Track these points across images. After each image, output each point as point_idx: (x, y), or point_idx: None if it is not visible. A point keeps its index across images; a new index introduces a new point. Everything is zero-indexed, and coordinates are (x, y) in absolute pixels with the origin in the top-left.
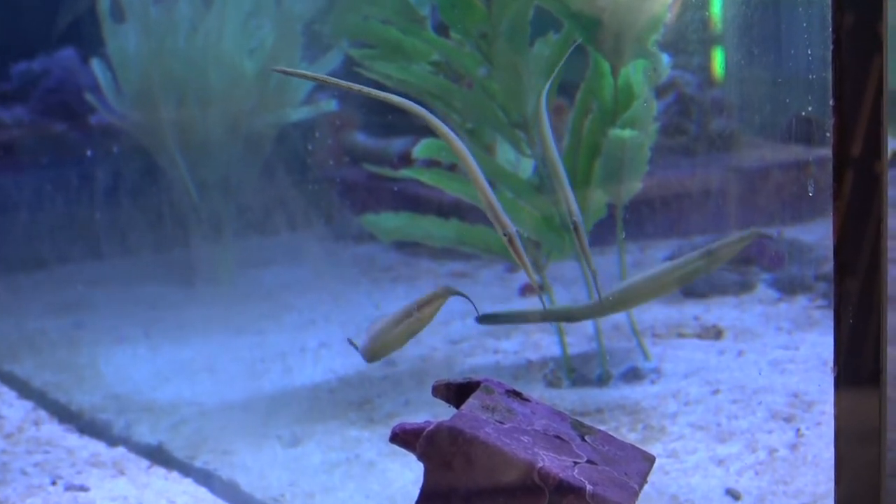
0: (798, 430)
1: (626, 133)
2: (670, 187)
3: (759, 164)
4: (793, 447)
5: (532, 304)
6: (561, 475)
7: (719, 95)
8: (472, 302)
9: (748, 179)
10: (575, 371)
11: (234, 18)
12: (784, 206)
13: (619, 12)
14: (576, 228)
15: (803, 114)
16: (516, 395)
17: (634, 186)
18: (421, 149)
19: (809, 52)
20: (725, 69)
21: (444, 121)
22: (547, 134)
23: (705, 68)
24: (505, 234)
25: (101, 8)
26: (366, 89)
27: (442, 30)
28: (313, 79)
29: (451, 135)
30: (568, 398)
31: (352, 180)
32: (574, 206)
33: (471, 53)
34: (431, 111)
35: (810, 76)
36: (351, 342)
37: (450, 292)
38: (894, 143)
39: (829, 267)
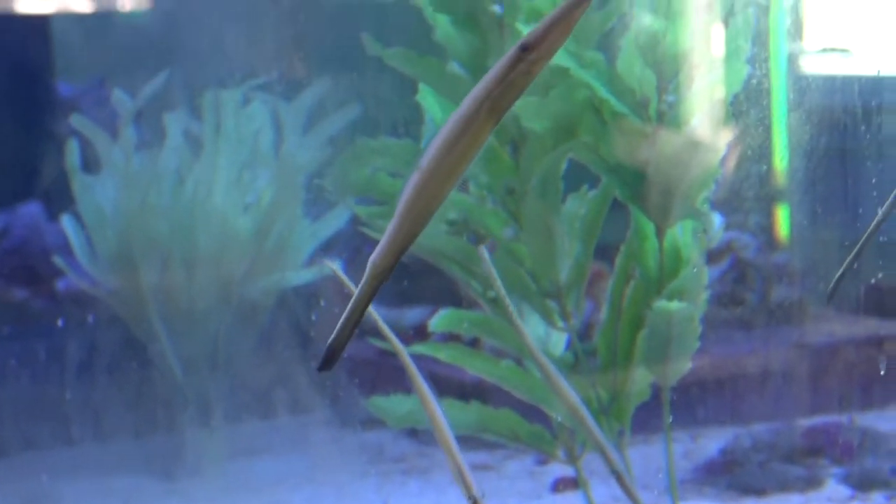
0: None
1: (674, 305)
2: (725, 366)
3: (826, 340)
4: None
5: (568, 501)
6: None
7: (782, 260)
8: None
9: (815, 357)
10: None
11: (227, 170)
12: (856, 389)
13: (664, 166)
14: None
15: (874, 281)
16: None
17: (683, 365)
18: (438, 321)
19: (880, 210)
20: (788, 230)
21: (462, 288)
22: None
23: (765, 229)
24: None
25: (69, 159)
26: None
27: (459, 185)
28: None
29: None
30: None
31: (360, 356)
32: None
33: (494, 211)
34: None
35: (882, 238)
36: None
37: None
38: None
39: None
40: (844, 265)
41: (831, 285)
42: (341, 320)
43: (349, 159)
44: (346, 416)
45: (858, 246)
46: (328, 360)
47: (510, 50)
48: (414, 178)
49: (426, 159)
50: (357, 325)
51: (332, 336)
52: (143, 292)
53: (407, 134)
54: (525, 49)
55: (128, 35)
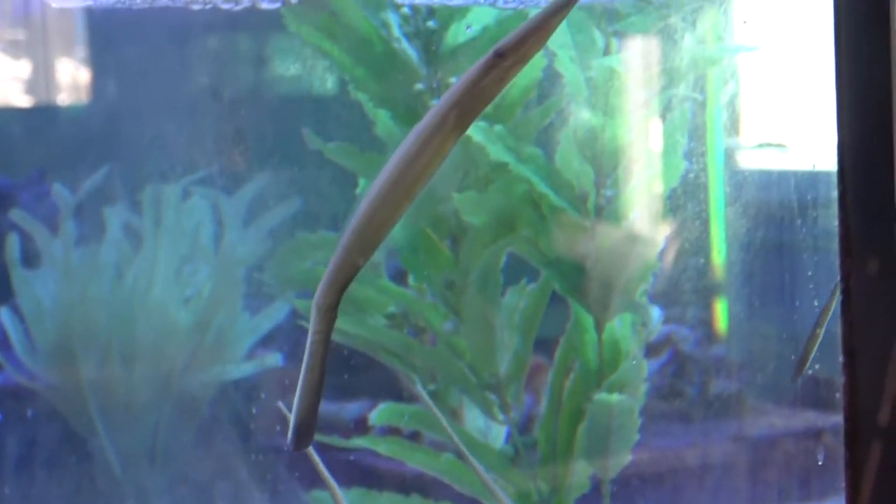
0: None
1: (614, 398)
2: (665, 459)
3: (765, 432)
4: None
5: None
6: None
7: (720, 353)
8: None
9: (754, 449)
10: None
11: (167, 263)
12: (795, 481)
13: (603, 259)
14: None
15: (811, 373)
16: None
17: (623, 458)
18: (379, 415)
19: (816, 303)
20: (726, 323)
21: (402, 382)
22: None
23: (704, 322)
24: None
25: (9, 253)
26: None
27: (399, 278)
28: None
29: None
30: None
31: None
32: None
33: (433, 305)
34: (389, 370)
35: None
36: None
37: None
38: None
39: None
40: (807, 347)
41: (796, 369)
42: (302, 385)
43: (288, 253)
44: None
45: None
46: (301, 436)
47: (483, 56)
48: (367, 200)
49: (383, 176)
50: (321, 382)
51: (297, 407)
52: (83, 386)
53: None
54: (500, 55)
55: (68, 128)
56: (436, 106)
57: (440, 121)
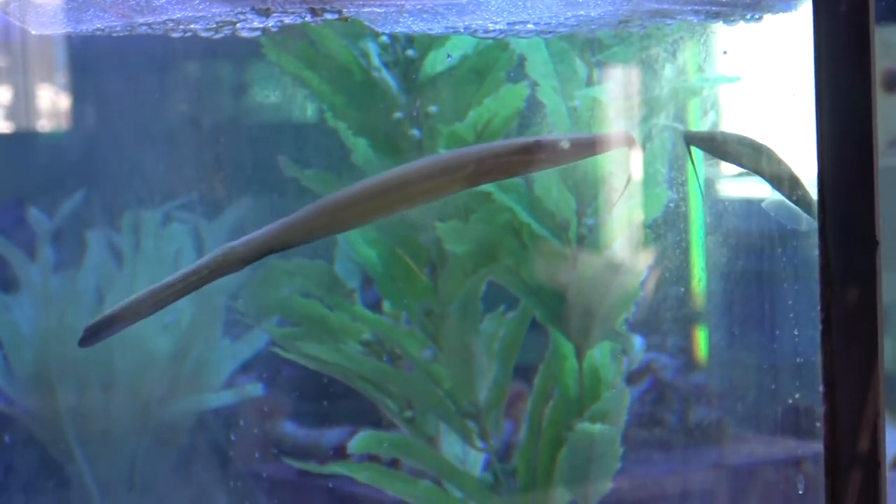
0: None
1: (596, 427)
2: (645, 486)
3: (745, 460)
4: None
5: None
6: None
7: (700, 381)
8: None
9: (734, 477)
10: None
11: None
12: None
13: (584, 288)
14: None
15: (791, 402)
16: None
17: (604, 486)
18: (359, 443)
19: (797, 332)
20: (707, 352)
21: (377, 408)
22: None
23: (684, 351)
24: None
25: None
26: None
27: (375, 306)
28: None
29: None
30: None
31: (280, 476)
32: None
33: (410, 332)
34: (363, 397)
35: (798, 360)
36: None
37: None
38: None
39: None
40: None
41: None
42: (145, 292)
43: (262, 282)
44: None
45: None
46: (99, 326)
47: (526, 138)
48: (348, 191)
49: (374, 180)
50: (163, 305)
51: (120, 304)
52: (61, 413)
53: (319, 255)
54: (539, 146)
55: (47, 155)
56: (460, 150)
57: (457, 164)
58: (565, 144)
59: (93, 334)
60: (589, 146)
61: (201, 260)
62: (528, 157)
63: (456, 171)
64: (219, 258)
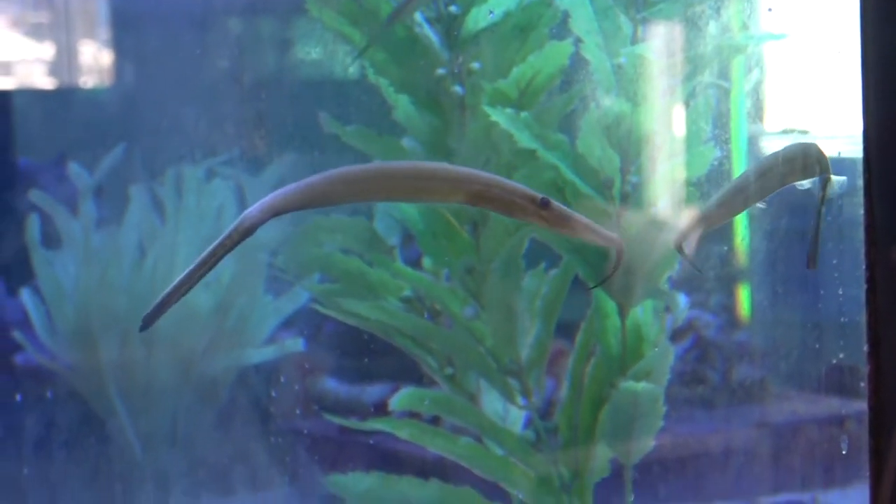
0: None
1: (640, 386)
2: (687, 444)
3: (788, 418)
4: None
5: None
6: None
7: (743, 339)
8: None
9: (777, 436)
10: None
11: (188, 246)
12: (818, 467)
13: (628, 246)
14: None
15: (835, 361)
16: None
17: (646, 444)
18: (400, 400)
19: (841, 291)
20: (749, 310)
21: (418, 365)
22: None
23: (727, 309)
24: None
25: (29, 234)
26: None
27: (415, 263)
28: None
29: None
30: None
31: (321, 433)
32: None
33: (451, 289)
34: (404, 354)
35: (842, 319)
36: None
37: None
38: None
39: None
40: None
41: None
42: (185, 274)
43: (302, 238)
44: (306, 494)
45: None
46: (155, 311)
47: (533, 193)
48: (362, 168)
49: (392, 167)
50: (205, 273)
51: (175, 284)
52: (102, 368)
53: (359, 211)
54: (543, 204)
55: (89, 111)
56: (476, 170)
57: (463, 179)
58: (569, 220)
59: (150, 322)
60: (586, 232)
61: (217, 244)
62: (529, 206)
63: (464, 184)
64: (239, 233)
